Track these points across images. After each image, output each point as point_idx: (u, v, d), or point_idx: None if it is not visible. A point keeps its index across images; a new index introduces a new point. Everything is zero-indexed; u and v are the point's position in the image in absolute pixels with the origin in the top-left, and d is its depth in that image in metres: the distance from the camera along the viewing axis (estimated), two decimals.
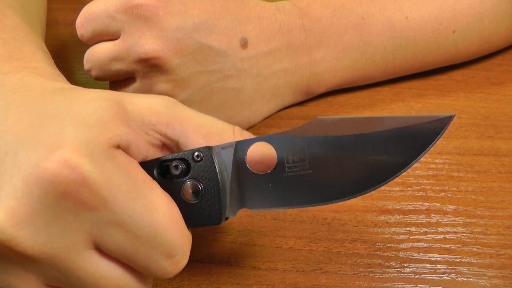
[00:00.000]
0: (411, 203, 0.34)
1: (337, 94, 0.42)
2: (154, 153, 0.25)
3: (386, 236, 0.32)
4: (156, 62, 0.32)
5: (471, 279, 0.30)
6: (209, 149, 0.23)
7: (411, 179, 0.35)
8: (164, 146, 0.25)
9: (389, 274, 0.30)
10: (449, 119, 0.23)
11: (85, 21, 0.33)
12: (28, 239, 0.19)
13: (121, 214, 0.20)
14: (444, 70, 0.43)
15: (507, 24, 0.40)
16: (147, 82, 0.33)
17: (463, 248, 0.31)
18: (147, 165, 0.23)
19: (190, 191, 0.23)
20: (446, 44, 0.39)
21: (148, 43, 0.31)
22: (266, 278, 0.30)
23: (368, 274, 0.30)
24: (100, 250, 0.21)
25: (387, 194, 0.34)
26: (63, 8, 0.51)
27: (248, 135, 0.26)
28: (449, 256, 0.31)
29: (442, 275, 0.30)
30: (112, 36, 0.33)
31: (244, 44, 0.34)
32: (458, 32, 0.39)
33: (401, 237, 0.32)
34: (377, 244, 0.32)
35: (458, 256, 0.31)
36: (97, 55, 0.33)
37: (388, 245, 0.32)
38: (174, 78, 0.32)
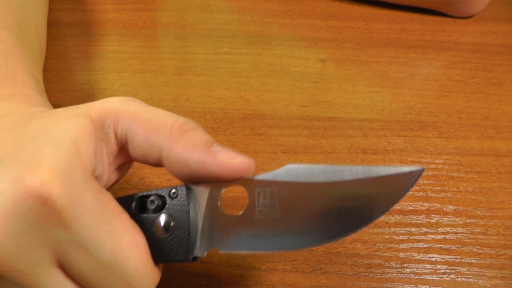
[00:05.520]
0: (411, 204, 0.34)
1: (338, 95, 0.42)
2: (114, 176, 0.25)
3: (386, 236, 0.32)
4: None
5: (471, 280, 0.30)
6: (186, 187, 0.24)
7: None
8: (121, 162, 0.25)
9: (389, 275, 0.30)
10: (418, 172, 0.23)
11: None
12: None
13: (84, 236, 0.21)
14: (444, 70, 0.43)
15: None
16: None
17: (463, 248, 0.31)
18: (126, 200, 0.23)
19: (161, 225, 0.23)
20: None
21: None
22: (266, 278, 0.30)
23: (368, 275, 0.30)
24: (65, 271, 0.22)
25: None
26: (63, 8, 0.51)
27: (195, 133, 0.23)
28: (449, 257, 0.31)
29: (442, 276, 0.30)
30: None
31: None
32: None
33: (401, 237, 0.32)
34: (377, 244, 0.32)
35: (458, 257, 0.31)
36: None
37: (388, 245, 0.32)
38: None
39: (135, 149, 0.24)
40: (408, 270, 0.30)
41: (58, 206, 0.20)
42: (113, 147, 0.24)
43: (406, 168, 0.23)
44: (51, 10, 0.50)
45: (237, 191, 0.31)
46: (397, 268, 0.30)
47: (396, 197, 0.23)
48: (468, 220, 0.33)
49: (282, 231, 0.24)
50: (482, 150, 0.37)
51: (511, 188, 0.35)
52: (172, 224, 0.23)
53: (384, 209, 0.23)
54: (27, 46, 0.33)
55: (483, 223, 0.33)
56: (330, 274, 0.30)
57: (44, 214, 0.20)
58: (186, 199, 0.23)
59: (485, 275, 0.30)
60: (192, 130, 0.24)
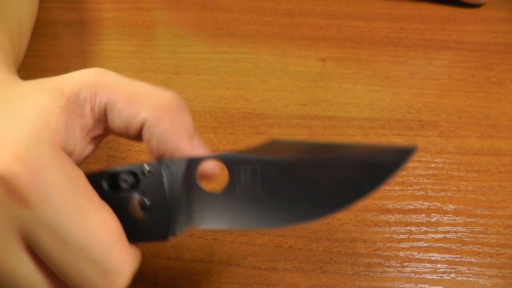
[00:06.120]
0: (411, 203, 0.34)
1: (338, 94, 0.42)
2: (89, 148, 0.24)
3: (386, 235, 0.32)
4: None
5: (471, 279, 0.30)
6: (159, 163, 0.22)
7: (411, 178, 0.35)
8: (95, 134, 0.24)
9: (389, 274, 0.30)
10: (410, 151, 0.22)
11: None
12: None
13: (51, 216, 0.20)
14: (444, 69, 0.43)
15: None
16: None
17: (463, 247, 0.31)
18: (96, 177, 0.22)
19: (137, 205, 0.22)
20: None
21: None
22: (266, 277, 0.30)
23: (368, 274, 0.30)
24: (37, 256, 0.21)
25: (387, 194, 0.34)
26: (62, 8, 0.51)
27: (183, 116, 0.23)
28: (449, 256, 0.31)
29: (442, 275, 0.30)
30: None
31: None
32: None
33: (401, 236, 0.32)
34: (377, 243, 0.32)
35: (458, 256, 0.31)
36: None
37: (388, 244, 0.32)
38: None
39: (115, 120, 0.23)
40: (408, 269, 0.30)
41: (22, 185, 0.19)
42: (88, 120, 0.23)
43: (398, 147, 0.22)
44: (50, 9, 0.50)
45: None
46: (397, 267, 0.30)
47: (385, 177, 0.22)
48: (468, 219, 0.33)
49: (265, 209, 0.23)
50: (482, 149, 0.37)
51: (511, 187, 0.35)
52: (148, 203, 0.22)
53: (372, 189, 0.22)
54: (3, 25, 0.33)
55: (483, 222, 0.33)
56: (330, 273, 0.30)
57: (7, 195, 0.19)
58: (162, 177, 0.22)
59: (485, 274, 0.30)
60: (180, 110, 0.23)
